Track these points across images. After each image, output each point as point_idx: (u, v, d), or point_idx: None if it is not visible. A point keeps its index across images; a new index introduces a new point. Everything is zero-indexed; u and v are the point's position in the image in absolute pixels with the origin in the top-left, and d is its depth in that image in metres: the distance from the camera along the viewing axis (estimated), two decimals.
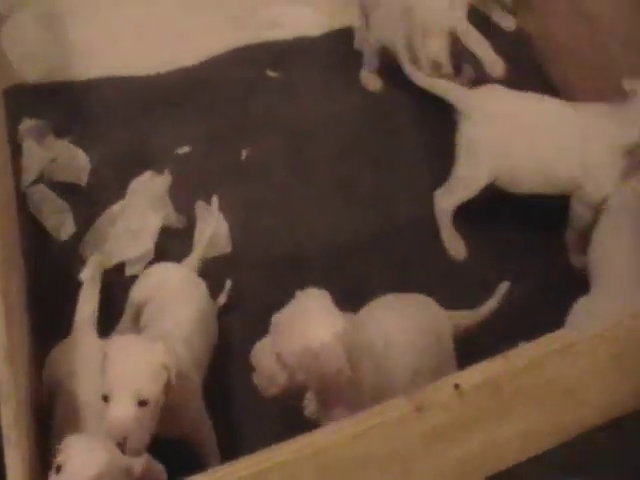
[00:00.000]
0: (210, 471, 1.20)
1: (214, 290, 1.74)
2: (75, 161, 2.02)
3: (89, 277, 1.70)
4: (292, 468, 1.19)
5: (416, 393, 1.25)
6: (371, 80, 2.26)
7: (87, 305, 1.65)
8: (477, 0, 2.36)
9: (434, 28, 1.94)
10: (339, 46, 2.34)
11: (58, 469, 1.17)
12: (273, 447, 1.19)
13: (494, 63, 2.24)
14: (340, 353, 1.29)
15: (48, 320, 1.70)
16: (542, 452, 1.51)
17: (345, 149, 2.11)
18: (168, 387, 1.34)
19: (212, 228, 1.79)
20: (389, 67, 2.18)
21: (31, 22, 2.33)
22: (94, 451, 1.19)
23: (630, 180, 1.81)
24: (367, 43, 2.22)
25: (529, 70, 2.30)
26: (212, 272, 1.78)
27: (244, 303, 1.79)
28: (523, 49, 2.36)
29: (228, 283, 1.78)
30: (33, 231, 1.90)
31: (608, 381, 1.47)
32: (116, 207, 1.90)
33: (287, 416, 1.56)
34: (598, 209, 1.84)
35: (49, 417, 1.45)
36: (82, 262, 1.79)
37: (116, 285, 1.78)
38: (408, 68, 1.98)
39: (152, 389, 1.31)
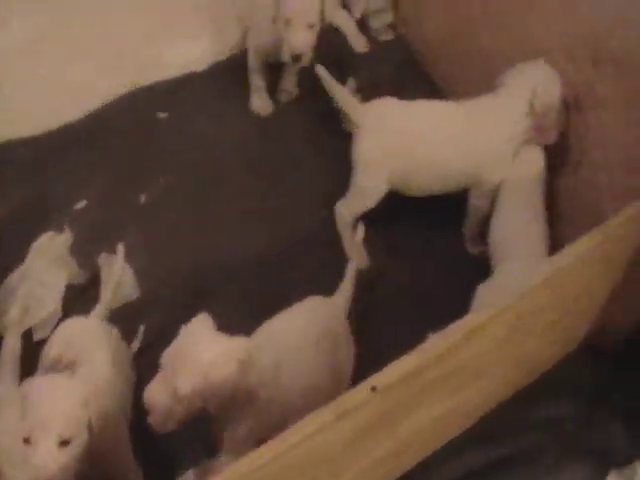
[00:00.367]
0: None
1: (129, 336, 1.74)
2: None
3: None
4: None
5: (336, 402, 1.25)
6: (261, 104, 2.28)
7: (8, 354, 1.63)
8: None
9: (296, 20, 1.96)
10: (227, 75, 2.35)
11: None
12: None
13: (357, 39, 2.33)
14: (233, 375, 1.30)
15: None
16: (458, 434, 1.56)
17: (242, 176, 2.12)
18: (90, 426, 1.32)
19: (116, 277, 1.78)
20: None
21: None
22: None
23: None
24: (251, 59, 2.24)
25: (412, 75, 2.37)
26: (124, 319, 1.77)
27: (158, 344, 1.74)
28: (404, 56, 2.42)
29: (141, 328, 1.78)
30: None
31: (511, 356, 1.52)
32: (16, 274, 1.86)
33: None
34: (494, 197, 1.89)
35: None
36: None
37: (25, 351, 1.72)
38: (320, 72, 2.00)
39: (73, 428, 1.29)
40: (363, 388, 1.25)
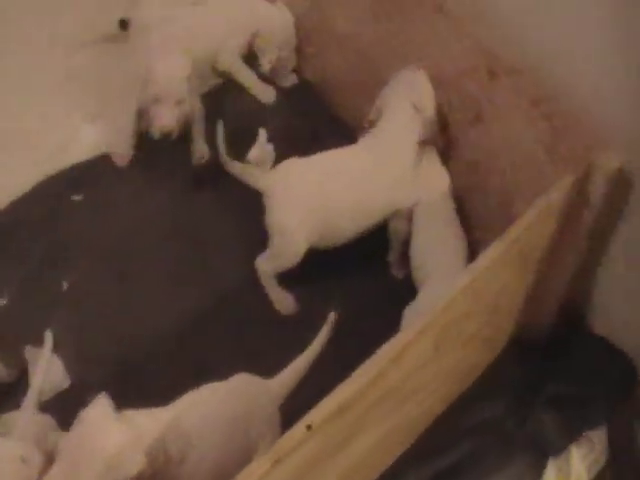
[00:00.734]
0: None
1: (66, 426, 1.65)
2: None
3: None
4: None
5: (272, 448, 1.22)
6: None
7: None
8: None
9: (164, 97, 1.99)
10: (137, 153, 2.32)
11: None
12: None
13: (264, 91, 2.34)
14: (136, 456, 1.27)
15: None
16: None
17: (162, 245, 2.11)
18: None
19: (43, 366, 1.75)
20: None
21: None
22: None
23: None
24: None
25: (322, 118, 2.39)
26: (58, 409, 1.72)
27: None
28: (311, 99, 2.45)
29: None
30: None
31: (442, 369, 1.53)
32: None
33: None
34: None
35: None
36: None
37: None
38: (221, 150, 2.03)
39: None
40: (298, 429, 1.23)
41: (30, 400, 1.68)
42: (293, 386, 1.66)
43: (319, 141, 2.21)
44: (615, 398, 1.74)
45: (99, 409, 1.33)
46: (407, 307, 1.72)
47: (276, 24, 2.37)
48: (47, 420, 1.64)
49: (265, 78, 2.42)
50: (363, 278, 1.99)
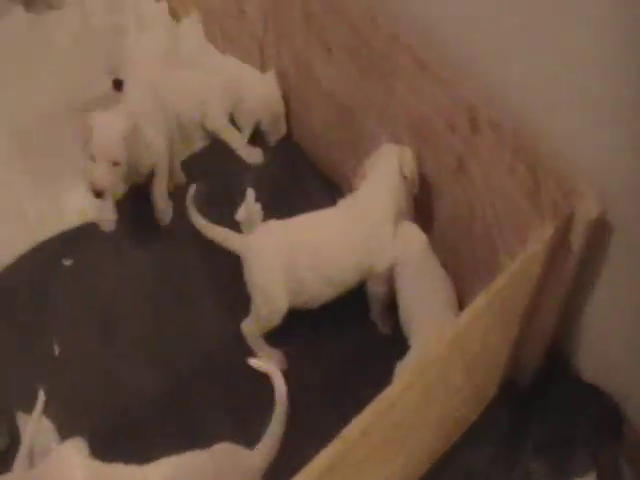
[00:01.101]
0: None
1: None
2: None
3: None
4: None
5: None
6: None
7: None
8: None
9: (99, 157, 2.01)
10: (124, 217, 2.35)
11: None
12: None
13: (250, 154, 2.37)
14: None
15: None
16: None
17: (148, 308, 2.13)
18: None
19: (34, 424, 1.75)
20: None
21: None
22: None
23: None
24: None
25: (308, 175, 2.43)
26: None
27: None
28: (297, 157, 2.49)
29: None
30: None
31: (427, 421, 1.51)
32: None
33: None
34: (390, 280, 1.95)
35: None
36: None
37: None
38: (193, 217, 2.04)
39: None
40: None
41: (21, 460, 1.68)
42: (275, 453, 1.63)
43: (304, 198, 2.26)
44: (603, 442, 1.74)
45: (71, 450, 1.33)
46: (399, 362, 1.72)
47: (260, 91, 2.42)
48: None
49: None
50: (350, 332, 2.01)
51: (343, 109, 2.23)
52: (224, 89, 2.44)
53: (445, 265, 1.96)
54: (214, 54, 2.68)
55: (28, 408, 1.87)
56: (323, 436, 1.28)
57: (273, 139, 2.49)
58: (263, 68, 2.49)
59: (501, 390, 1.82)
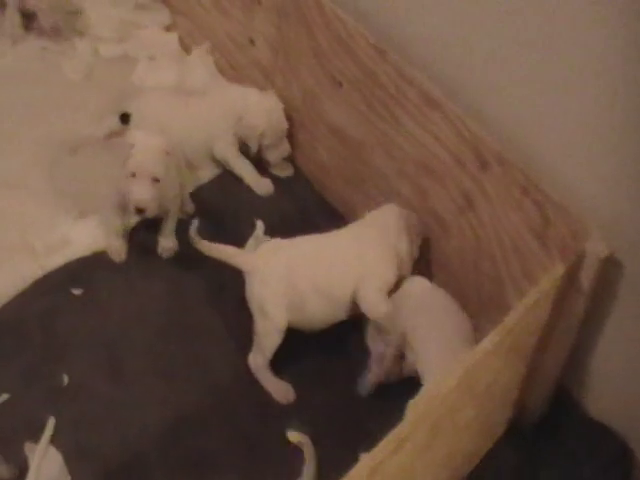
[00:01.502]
0: None
1: None
2: None
3: None
4: None
5: None
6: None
7: None
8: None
9: (140, 173, 2.02)
10: (134, 247, 2.37)
11: None
12: None
13: (261, 185, 2.39)
14: None
15: None
16: None
17: (157, 341, 2.13)
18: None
19: (41, 452, 1.76)
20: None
21: None
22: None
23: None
24: None
25: (317, 208, 2.46)
26: None
27: None
28: (306, 189, 2.51)
29: None
30: None
31: (435, 458, 1.51)
32: None
33: None
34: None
35: None
36: None
37: None
38: (198, 245, 2.04)
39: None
40: None
41: None
42: None
43: (312, 230, 2.26)
44: None
45: None
46: (411, 401, 1.70)
47: (262, 105, 2.43)
48: None
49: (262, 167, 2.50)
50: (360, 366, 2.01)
51: (351, 143, 2.25)
52: (229, 114, 2.45)
53: None
54: (223, 85, 2.71)
55: (36, 438, 1.87)
56: (330, 468, 1.29)
57: (277, 157, 2.50)
58: None
59: (509, 428, 1.81)
